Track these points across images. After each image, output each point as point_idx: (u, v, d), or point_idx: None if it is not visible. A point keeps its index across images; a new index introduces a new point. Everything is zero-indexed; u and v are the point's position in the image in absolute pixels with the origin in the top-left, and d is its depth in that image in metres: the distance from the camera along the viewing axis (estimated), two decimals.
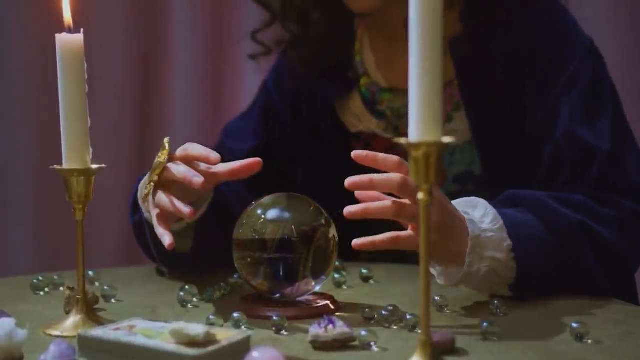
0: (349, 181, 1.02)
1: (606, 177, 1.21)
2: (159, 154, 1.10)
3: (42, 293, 1.21)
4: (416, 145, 0.84)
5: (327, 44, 1.45)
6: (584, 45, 1.29)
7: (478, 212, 1.08)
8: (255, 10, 1.49)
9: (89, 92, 1.02)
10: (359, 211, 1.02)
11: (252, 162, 1.10)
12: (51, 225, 2.15)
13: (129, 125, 2.16)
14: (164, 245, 1.08)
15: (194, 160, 1.10)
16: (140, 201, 1.20)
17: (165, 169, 1.10)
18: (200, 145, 1.11)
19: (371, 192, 1.04)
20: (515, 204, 1.14)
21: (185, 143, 1.13)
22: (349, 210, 1.02)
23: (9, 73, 2.12)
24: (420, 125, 0.84)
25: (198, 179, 1.07)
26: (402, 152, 1.39)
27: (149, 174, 1.12)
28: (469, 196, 1.22)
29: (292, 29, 1.46)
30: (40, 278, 1.22)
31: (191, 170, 1.08)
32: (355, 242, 1.02)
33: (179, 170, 1.09)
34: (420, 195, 0.84)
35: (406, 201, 1.03)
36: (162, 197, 1.09)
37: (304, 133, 1.48)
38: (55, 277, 1.24)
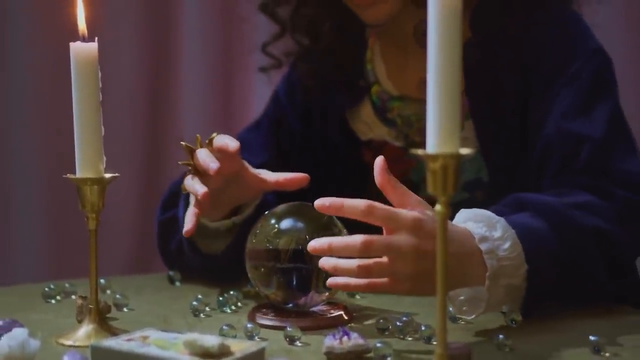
0: (310, 246, 1.00)
1: (595, 164, 1.19)
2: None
3: (53, 301, 1.21)
4: (434, 157, 0.83)
5: (338, 54, 1.44)
6: (589, 48, 1.29)
7: (495, 233, 1.04)
8: (265, 22, 1.49)
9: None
10: (329, 267, 1.00)
11: (301, 177, 1.17)
12: (59, 233, 2.15)
13: (139, 136, 2.16)
14: (195, 243, 1.18)
15: (218, 151, 1.14)
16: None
17: (194, 155, 1.14)
18: (226, 136, 1.15)
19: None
20: (523, 209, 1.11)
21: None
22: (321, 263, 1.00)
23: (21, 81, 2.12)
24: (437, 137, 0.83)
25: (214, 165, 1.11)
26: (412, 159, 1.42)
27: None
28: (478, 205, 1.21)
29: (302, 40, 1.46)
30: (52, 286, 1.22)
31: (210, 156, 1.12)
32: (330, 281, 1.01)
33: (200, 155, 1.13)
34: (438, 207, 0.83)
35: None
36: (187, 180, 1.14)
37: (315, 141, 1.48)
38: (67, 285, 1.24)
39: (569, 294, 1.11)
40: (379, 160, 1.03)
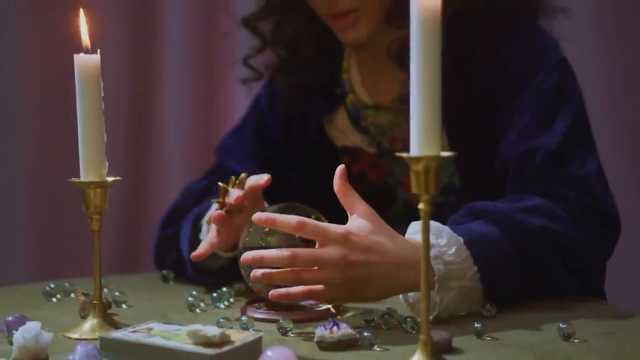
0: (243, 257, 1.09)
1: (549, 172, 1.25)
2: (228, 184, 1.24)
3: (54, 299, 1.27)
4: (417, 159, 0.90)
5: (315, 65, 1.51)
6: (551, 60, 1.34)
7: (441, 241, 1.11)
8: (245, 35, 1.55)
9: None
10: (265, 278, 1.07)
11: None
12: (48, 235, 2.19)
13: (123, 144, 2.20)
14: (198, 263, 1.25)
15: (249, 191, 1.22)
16: (204, 220, 1.31)
17: (226, 193, 1.22)
18: (255, 176, 1.23)
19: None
20: (477, 216, 1.18)
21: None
22: (253, 275, 1.08)
23: (12, 84, 2.17)
24: (420, 141, 0.90)
25: (233, 196, 1.20)
26: (387, 165, 1.49)
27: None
28: (451, 208, 1.28)
29: (282, 53, 1.52)
30: (52, 285, 1.28)
31: (235, 192, 1.20)
32: (272, 293, 1.08)
33: (231, 195, 1.21)
34: (421, 206, 0.91)
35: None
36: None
37: (296, 148, 1.54)
38: (66, 284, 1.30)
39: (530, 292, 1.17)
40: (339, 169, 1.10)
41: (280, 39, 1.52)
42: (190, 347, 0.92)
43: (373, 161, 1.49)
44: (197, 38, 2.21)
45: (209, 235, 1.25)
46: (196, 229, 1.32)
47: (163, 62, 2.22)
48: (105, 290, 1.31)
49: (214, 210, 1.27)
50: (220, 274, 1.30)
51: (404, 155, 0.91)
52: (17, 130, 2.18)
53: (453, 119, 1.36)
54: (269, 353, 0.88)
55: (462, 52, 1.36)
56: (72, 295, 1.29)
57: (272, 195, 1.39)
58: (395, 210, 1.49)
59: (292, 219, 1.07)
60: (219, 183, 1.23)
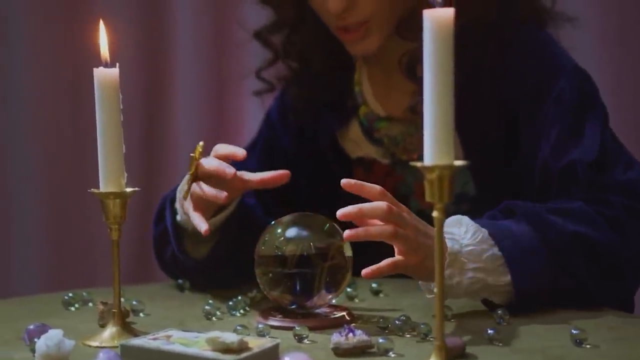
0: (340, 213, 1.12)
1: (593, 181, 1.27)
2: (193, 153, 1.22)
3: (73, 308, 1.29)
4: (430, 168, 0.92)
5: (327, 78, 1.53)
6: (567, 66, 1.36)
7: (461, 230, 1.16)
8: (256, 47, 1.57)
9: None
10: (361, 234, 1.11)
11: (282, 173, 1.25)
12: (59, 244, 2.22)
13: (135, 156, 2.21)
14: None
15: (224, 158, 1.22)
16: (177, 203, 1.31)
17: (198, 164, 1.22)
18: (228, 145, 1.24)
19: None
20: (513, 214, 1.21)
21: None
22: (348, 234, 1.11)
23: (22, 92, 2.21)
24: (434, 150, 0.92)
25: (230, 170, 1.19)
26: (400, 174, 1.50)
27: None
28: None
29: (294, 65, 1.54)
30: (70, 294, 1.30)
31: (223, 163, 1.20)
32: (365, 271, 1.11)
33: (211, 163, 1.21)
34: (435, 214, 0.93)
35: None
36: (195, 187, 1.22)
37: (308, 159, 1.56)
38: (85, 294, 1.32)
39: (558, 292, 1.18)
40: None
41: (291, 51, 1.54)
42: (209, 353, 0.94)
43: (387, 171, 1.51)
44: (209, 49, 2.24)
45: (194, 214, 1.22)
46: (174, 214, 1.32)
47: (174, 73, 2.24)
48: (122, 299, 1.32)
49: (185, 182, 1.25)
50: (206, 263, 1.32)
51: (418, 164, 0.93)
52: (28, 139, 2.21)
53: (466, 127, 1.37)
54: (287, 359, 0.90)
55: (473, 61, 1.37)
56: (90, 304, 1.31)
57: (285, 206, 1.41)
58: None
59: (376, 186, 1.13)
60: (191, 154, 1.22)
